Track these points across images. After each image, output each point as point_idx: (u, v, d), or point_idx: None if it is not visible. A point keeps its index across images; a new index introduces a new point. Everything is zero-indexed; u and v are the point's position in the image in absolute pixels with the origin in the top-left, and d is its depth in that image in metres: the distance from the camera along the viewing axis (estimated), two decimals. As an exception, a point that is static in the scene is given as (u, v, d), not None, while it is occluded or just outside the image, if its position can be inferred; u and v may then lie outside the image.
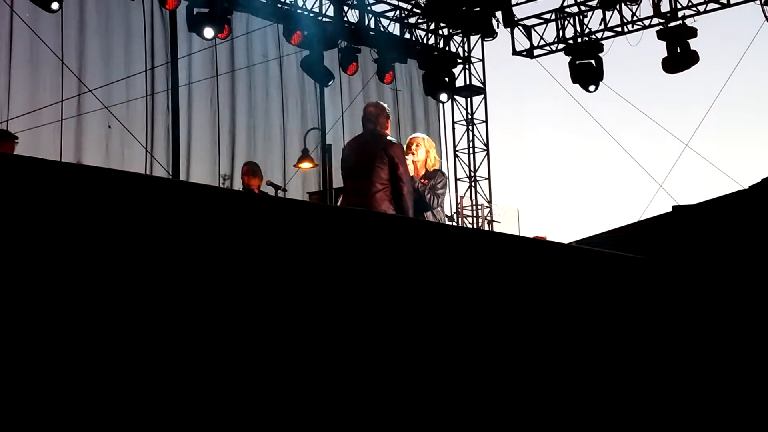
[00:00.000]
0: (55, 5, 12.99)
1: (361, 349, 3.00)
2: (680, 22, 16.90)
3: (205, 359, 2.73)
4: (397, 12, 18.25)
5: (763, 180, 4.47)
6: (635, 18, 17.65)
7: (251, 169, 11.71)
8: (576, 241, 4.76)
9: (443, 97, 18.71)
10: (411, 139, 8.97)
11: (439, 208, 8.67)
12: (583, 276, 3.40)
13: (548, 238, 11.83)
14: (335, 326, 2.98)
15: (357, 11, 17.26)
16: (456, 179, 19.31)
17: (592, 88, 17.54)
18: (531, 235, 12.57)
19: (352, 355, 2.98)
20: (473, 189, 19.19)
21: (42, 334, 2.53)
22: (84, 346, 2.58)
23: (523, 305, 3.31)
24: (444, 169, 18.92)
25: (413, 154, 8.66)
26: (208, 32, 14.64)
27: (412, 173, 8.48)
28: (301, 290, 2.95)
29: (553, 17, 18.60)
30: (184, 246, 2.80)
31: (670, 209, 4.60)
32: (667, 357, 3.46)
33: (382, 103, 8.76)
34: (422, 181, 8.55)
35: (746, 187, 4.61)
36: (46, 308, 2.55)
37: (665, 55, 16.81)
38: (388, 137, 8.31)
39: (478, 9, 17.80)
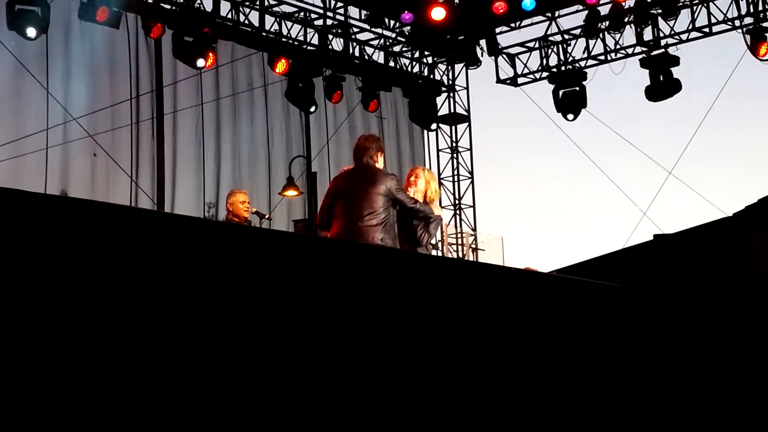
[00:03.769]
0: (31, 32, 12.90)
1: (346, 383, 3.01)
2: (663, 50, 16.99)
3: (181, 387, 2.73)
4: (382, 40, 18.32)
5: (746, 207, 4.49)
6: (618, 46, 17.75)
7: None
8: (558, 270, 4.77)
9: (432, 125, 18.81)
10: (411, 170, 8.96)
11: (427, 247, 8.55)
12: (562, 305, 3.41)
13: (537, 269, 11.84)
14: (319, 357, 2.98)
15: (341, 40, 17.32)
16: (440, 207, 19.32)
17: (570, 116, 17.56)
18: (515, 264, 12.60)
19: (334, 390, 2.98)
20: (458, 217, 19.23)
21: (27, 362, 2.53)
22: (65, 373, 2.58)
23: (503, 335, 3.32)
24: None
25: (413, 185, 8.57)
26: (200, 62, 14.65)
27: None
28: (284, 320, 2.95)
29: (537, 46, 18.71)
30: (169, 278, 2.80)
31: (652, 237, 4.62)
32: (643, 387, 3.48)
33: (374, 135, 8.75)
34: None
35: (730, 214, 4.63)
36: (30, 342, 2.56)
37: (648, 83, 16.89)
38: (382, 169, 8.36)
39: (462, 37, 17.89)
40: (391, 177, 8.31)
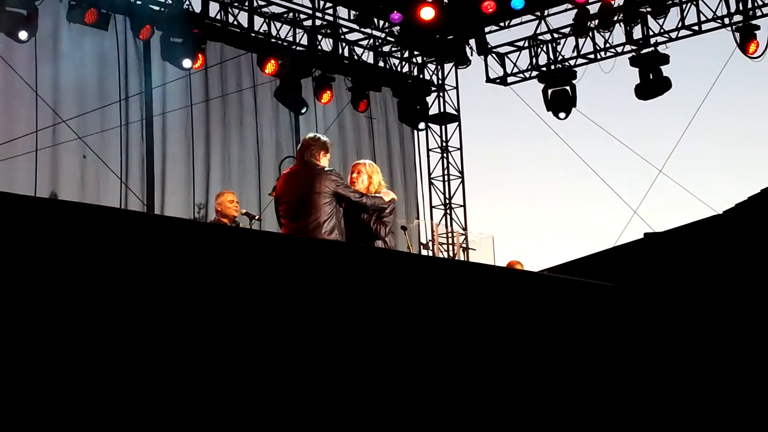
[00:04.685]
0: (23, 35, 12.94)
1: (339, 384, 3.00)
2: (653, 48, 17.01)
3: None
4: (371, 40, 18.31)
5: (737, 205, 4.50)
6: (608, 45, 17.76)
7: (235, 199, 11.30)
8: (548, 269, 4.77)
9: (420, 125, 18.82)
10: (353, 166, 8.86)
11: (390, 236, 8.45)
12: (555, 304, 3.41)
13: (523, 263, 11.84)
14: (315, 358, 2.97)
15: (330, 40, 17.31)
16: (431, 207, 19.35)
17: (561, 115, 17.61)
18: (506, 261, 12.58)
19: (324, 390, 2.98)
20: (448, 217, 19.22)
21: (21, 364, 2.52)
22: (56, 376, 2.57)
23: (494, 334, 3.32)
24: (419, 197, 19.13)
25: (355, 182, 8.51)
26: (187, 63, 14.66)
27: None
28: (272, 320, 2.95)
29: (527, 45, 18.71)
30: (159, 279, 2.79)
31: (643, 235, 4.62)
32: (636, 385, 3.48)
33: (322, 137, 8.60)
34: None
35: (721, 212, 4.64)
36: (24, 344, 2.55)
37: (638, 81, 16.91)
38: (320, 167, 8.20)
39: (452, 37, 17.89)
40: (331, 174, 8.14)
